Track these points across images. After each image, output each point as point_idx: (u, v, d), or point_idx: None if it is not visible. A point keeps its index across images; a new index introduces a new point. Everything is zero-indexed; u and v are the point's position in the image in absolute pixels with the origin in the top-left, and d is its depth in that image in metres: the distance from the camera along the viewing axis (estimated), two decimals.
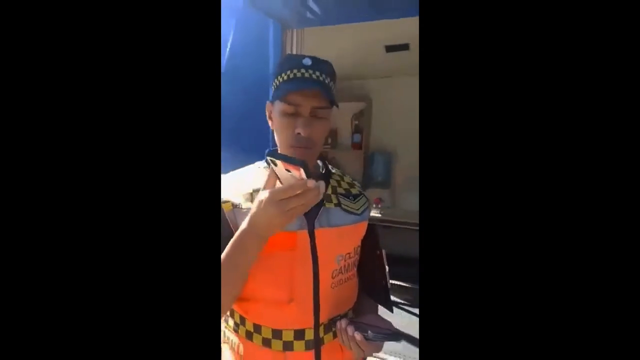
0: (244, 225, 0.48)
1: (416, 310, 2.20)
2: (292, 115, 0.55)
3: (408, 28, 1.48)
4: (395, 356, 1.64)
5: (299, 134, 0.54)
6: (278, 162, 0.45)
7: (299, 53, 1.38)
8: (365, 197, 0.67)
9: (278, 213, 0.44)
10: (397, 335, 0.51)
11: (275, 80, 0.57)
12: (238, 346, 0.58)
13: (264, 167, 0.61)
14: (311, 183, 0.42)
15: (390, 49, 2.26)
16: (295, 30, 1.33)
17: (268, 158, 0.46)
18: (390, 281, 0.64)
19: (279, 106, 0.55)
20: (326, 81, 0.55)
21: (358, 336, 0.50)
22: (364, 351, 0.52)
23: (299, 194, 0.43)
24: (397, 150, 3.00)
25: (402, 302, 2.31)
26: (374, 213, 2.61)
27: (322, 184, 0.44)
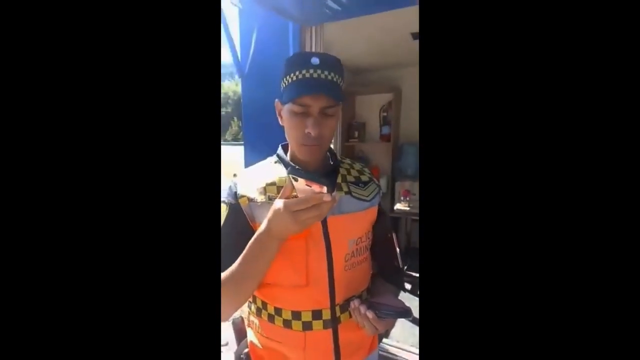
0: (261, 228, 0.52)
1: None
2: (301, 115, 0.56)
3: None
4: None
5: (309, 133, 0.56)
6: (300, 178, 0.47)
7: (319, 49, 1.39)
8: (376, 183, 0.69)
9: (292, 222, 0.47)
10: (407, 312, 0.53)
11: (284, 80, 0.58)
12: (261, 329, 0.63)
13: (275, 162, 0.65)
14: (327, 197, 0.45)
15: (417, 36, 2.18)
16: (313, 27, 1.35)
17: (290, 176, 0.48)
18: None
19: (288, 106, 0.57)
20: (335, 79, 0.56)
21: (370, 314, 0.53)
22: (376, 328, 0.54)
23: (314, 205, 0.46)
24: None
25: None
26: (403, 206, 2.55)
27: (336, 194, 0.46)
